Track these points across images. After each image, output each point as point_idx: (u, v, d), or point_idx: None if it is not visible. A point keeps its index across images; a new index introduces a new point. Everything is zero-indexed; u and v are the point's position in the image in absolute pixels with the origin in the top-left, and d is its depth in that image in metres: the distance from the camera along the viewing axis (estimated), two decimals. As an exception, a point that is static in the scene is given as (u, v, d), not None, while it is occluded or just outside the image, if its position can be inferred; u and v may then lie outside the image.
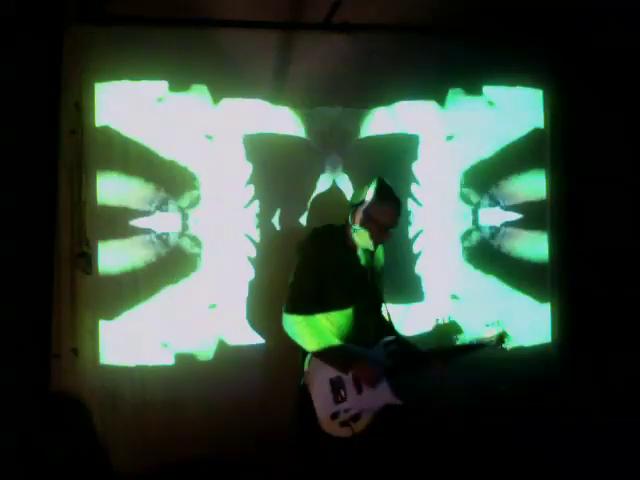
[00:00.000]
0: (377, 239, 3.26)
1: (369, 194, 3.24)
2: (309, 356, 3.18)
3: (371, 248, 3.29)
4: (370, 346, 3.27)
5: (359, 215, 3.24)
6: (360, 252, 3.34)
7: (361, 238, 3.27)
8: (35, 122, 3.70)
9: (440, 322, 3.65)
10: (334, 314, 3.23)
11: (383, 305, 3.41)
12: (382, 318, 3.40)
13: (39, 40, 3.67)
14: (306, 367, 3.18)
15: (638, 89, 4.45)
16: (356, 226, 3.25)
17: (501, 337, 3.50)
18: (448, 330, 3.65)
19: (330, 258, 3.23)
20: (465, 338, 3.60)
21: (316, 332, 3.17)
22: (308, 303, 3.19)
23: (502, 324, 3.54)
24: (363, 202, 3.24)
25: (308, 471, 3.26)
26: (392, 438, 3.20)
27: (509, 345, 3.52)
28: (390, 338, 3.31)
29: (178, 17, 4.03)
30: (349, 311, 3.24)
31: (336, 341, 3.19)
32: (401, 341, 3.37)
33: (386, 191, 3.26)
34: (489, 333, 3.50)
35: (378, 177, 3.30)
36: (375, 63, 4.24)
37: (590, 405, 4.35)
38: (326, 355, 3.14)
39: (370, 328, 3.30)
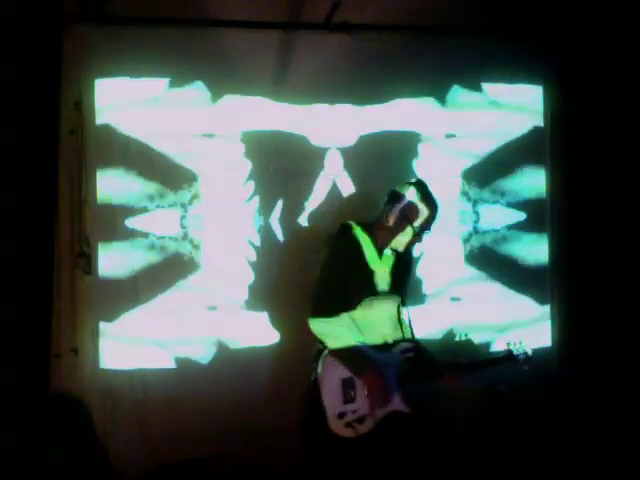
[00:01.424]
0: (410, 241, 3.22)
1: (409, 194, 3.17)
2: (325, 353, 3.14)
3: (400, 249, 3.24)
4: (387, 349, 3.22)
5: (395, 214, 3.17)
6: (389, 252, 3.26)
7: (398, 241, 3.21)
8: (35, 122, 3.69)
9: (459, 338, 3.61)
10: (357, 314, 3.17)
11: (404, 308, 3.33)
12: (402, 321, 3.33)
13: (39, 40, 3.66)
14: (320, 364, 3.15)
15: (638, 87, 4.44)
16: (390, 225, 3.19)
17: (523, 357, 3.36)
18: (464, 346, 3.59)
19: (358, 257, 3.18)
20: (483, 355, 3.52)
21: (341, 332, 3.12)
22: (336, 302, 3.14)
23: (524, 344, 3.39)
24: (401, 201, 3.17)
25: (312, 466, 3.26)
26: (395, 440, 3.17)
27: (527, 366, 3.38)
28: (408, 345, 3.26)
29: (178, 17, 4.03)
30: (372, 312, 3.19)
31: (355, 342, 3.14)
32: (419, 349, 3.30)
33: (427, 193, 3.20)
34: (513, 353, 3.37)
35: (418, 179, 3.27)
36: (375, 63, 4.25)
37: (590, 406, 4.34)
38: (343, 355, 3.11)
39: (389, 330, 3.25)
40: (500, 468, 4.10)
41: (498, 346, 4.40)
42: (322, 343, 3.15)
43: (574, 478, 4.00)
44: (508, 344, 3.41)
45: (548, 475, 4.03)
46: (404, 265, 3.35)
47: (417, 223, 3.17)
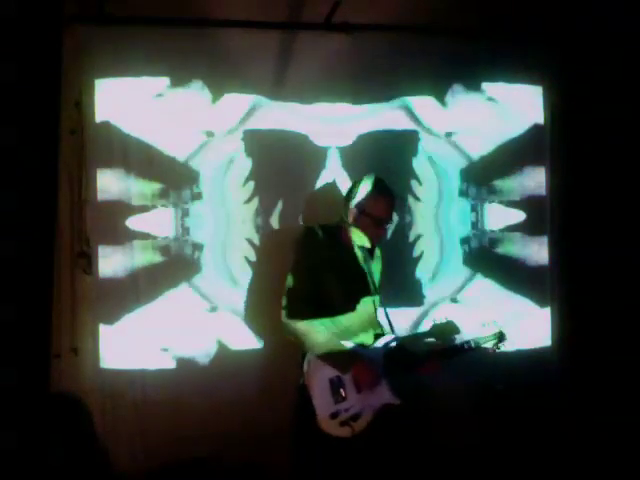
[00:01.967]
0: (372, 234, 3.24)
1: (363, 189, 3.23)
2: (308, 356, 3.17)
3: (367, 245, 3.27)
4: (369, 345, 3.26)
5: (353, 210, 3.23)
6: (357, 250, 3.30)
7: (356, 235, 3.24)
8: (35, 122, 3.69)
9: (437, 322, 3.65)
10: (342, 317, 3.20)
11: (380, 304, 3.38)
12: (379, 321, 3.37)
13: (39, 40, 3.66)
14: (305, 367, 3.17)
15: (638, 86, 4.44)
16: (350, 222, 3.23)
17: (497, 336, 3.47)
18: (445, 330, 3.64)
19: (327, 258, 3.21)
20: (462, 338, 3.57)
21: (317, 334, 3.14)
22: (307, 306, 3.17)
23: (498, 323, 3.51)
24: (356, 197, 3.23)
25: (306, 471, 3.26)
26: (391, 437, 3.19)
27: (506, 344, 3.49)
28: (389, 337, 3.30)
29: (178, 17, 4.03)
30: (349, 312, 3.23)
31: (336, 341, 3.17)
32: (399, 340, 3.35)
33: (380, 185, 3.25)
34: (485, 333, 3.47)
35: (374, 174, 3.30)
36: (375, 63, 4.25)
37: (590, 407, 4.34)
38: (326, 355, 3.13)
39: (369, 327, 3.29)
40: (499, 467, 4.10)
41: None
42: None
43: (573, 477, 4.00)
44: (483, 325, 3.50)
45: (547, 474, 4.04)
46: (375, 261, 3.38)
47: (375, 214, 3.20)
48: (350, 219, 3.24)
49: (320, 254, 3.21)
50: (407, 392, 3.20)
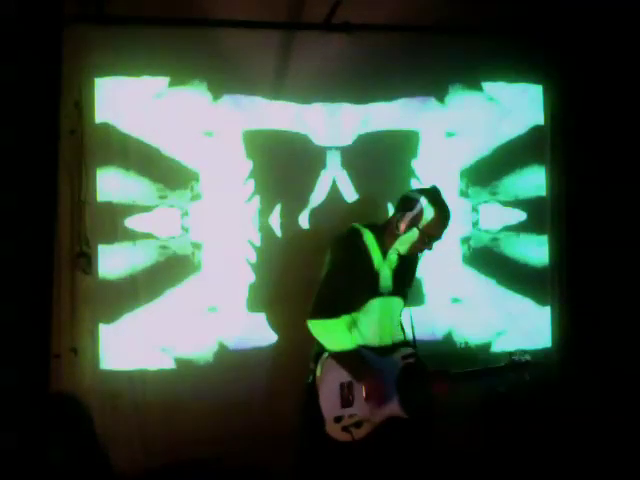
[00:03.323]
0: (419, 248, 3.18)
1: (423, 201, 3.11)
2: (324, 356, 3.12)
3: (403, 251, 3.20)
4: (388, 353, 3.21)
5: (407, 220, 3.12)
6: (394, 256, 3.23)
7: (402, 244, 3.17)
8: (35, 122, 3.69)
9: (459, 346, 3.58)
10: (359, 315, 3.16)
11: (404, 311, 3.32)
12: (402, 324, 3.33)
13: (39, 40, 3.66)
14: (319, 366, 3.13)
15: (638, 85, 4.44)
16: (400, 231, 3.13)
17: (524, 370, 3.30)
18: (518, 369, 3.45)
19: (366, 261, 3.15)
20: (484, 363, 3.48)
21: (340, 335, 3.09)
22: (339, 305, 3.11)
23: (527, 354, 3.32)
24: (413, 209, 3.11)
25: (308, 469, 3.25)
26: (394, 442, 3.16)
27: (528, 377, 3.31)
28: (409, 351, 3.24)
29: (178, 17, 4.03)
30: (375, 315, 3.18)
31: (355, 345, 3.11)
32: (418, 355, 3.27)
33: (439, 200, 3.15)
34: (513, 363, 3.30)
35: (434, 185, 3.20)
36: (375, 63, 4.25)
37: (590, 408, 4.34)
38: (344, 359, 3.09)
39: (390, 333, 3.24)
40: (501, 470, 4.10)
41: (498, 348, 4.41)
42: (321, 345, 3.13)
43: (574, 478, 4.00)
44: (512, 355, 3.32)
45: (549, 475, 4.03)
46: (407, 268, 3.33)
47: (430, 232, 3.12)
48: (402, 228, 3.12)
49: (359, 256, 3.14)
50: (417, 406, 3.16)
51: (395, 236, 3.17)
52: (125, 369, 4.00)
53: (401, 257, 3.24)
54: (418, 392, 3.18)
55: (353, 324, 3.16)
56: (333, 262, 3.15)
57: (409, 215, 3.12)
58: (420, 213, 3.10)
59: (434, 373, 3.22)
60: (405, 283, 3.32)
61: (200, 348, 4.11)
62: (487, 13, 4.34)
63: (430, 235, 3.14)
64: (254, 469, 4.02)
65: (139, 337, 4.00)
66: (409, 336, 3.29)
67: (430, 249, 3.20)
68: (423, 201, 3.11)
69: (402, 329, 3.32)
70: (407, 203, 3.17)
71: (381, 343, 3.21)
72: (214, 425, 4.01)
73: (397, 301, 3.26)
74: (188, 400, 4.02)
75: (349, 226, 3.26)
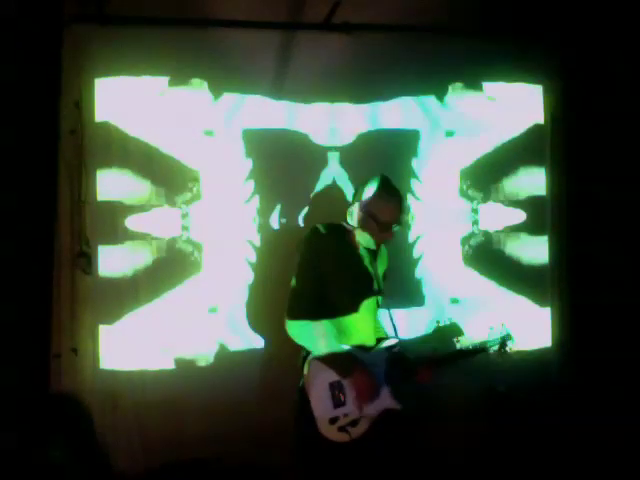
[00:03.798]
0: (378, 237, 3.17)
1: (370, 190, 3.14)
2: (310, 357, 3.11)
3: (373, 247, 3.20)
4: (371, 349, 3.21)
5: (359, 212, 3.14)
6: (363, 252, 3.23)
7: (362, 237, 3.17)
8: (35, 122, 3.70)
9: (441, 324, 3.60)
10: (345, 318, 3.15)
11: (382, 304, 3.32)
12: (379, 321, 3.33)
13: (39, 40, 3.67)
14: (306, 369, 3.12)
15: (638, 85, 4.44)
16: (356, 224, 3.16)
17: (504, 340, 3.35)
18: (449, 332, 3.59)
19: (332, 258, 3.14)
20: (467, 340, 3.52)
21: (320, 335, 3.07)
22: (311, 306, 3.10)
23: (506, 327, 3.38)
24: (362, 199, 3.14)
25: (306, 474, 3.24)
26: (391, 442, 3.15)
27: (512, 348, 3.37)
28: (392, 342, 3.23)
29: (178, 17, 4.03)
30: (352, 313, 3.17)
31: (338, 344, 3.10)
32: (402, 345, 3.27)
33: (388, 187, 3.16)
34: (492, 336, 3.35)
35: (381, 174, 3.20)
36: (375, 63, 4.25)
37: (590, 408, 4.34)
38: (328, 358, 3.07)
39: (372, 330, 3.24)
40: (500, 468, 4.10)
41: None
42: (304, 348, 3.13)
43: (574, 478, 4.00)
44: (491, 328, 3.36)
45: (549, 475, 4.03)
46: (380, 264, 3.33)
47: (382, 218, 3.12)
48: (355, 221, 3.16)
49: (325, 254, 3.14)
50: (409, 397, 3.16)
51: (353, 230, 3.19)
52: (125, 369, 3.99)
53: (372, 253, 3.24)
54: (408, 381, 3.16)
55: (334, 325, 3.12)
56: (299, 263, 3.17)
57: (357, 205, 3.15)
58: (367, 199, 3.13)
59: (417, 360, 3.20)
60: (379, 280, 3.29)
61: (200, 348, 4.11)
62: (487, 13, 4.34)
63: (383, 221, 3.12)
64: (254, 469, 4.02)
65: (139, 337, 4.00)
66: (385, 333, 3.30)
67: (390, 237, 3.19)
68: (367, 188, 3.14)
69: (382, 327, 3.33)
70: (354, 195, 3.23)
71: (367, 341, 3.21)
72: (214, 425, 4.00)
73: (374, 299, 3.25)
74: (188, 400, 4.02)
75: (309, 226, 3.24)
